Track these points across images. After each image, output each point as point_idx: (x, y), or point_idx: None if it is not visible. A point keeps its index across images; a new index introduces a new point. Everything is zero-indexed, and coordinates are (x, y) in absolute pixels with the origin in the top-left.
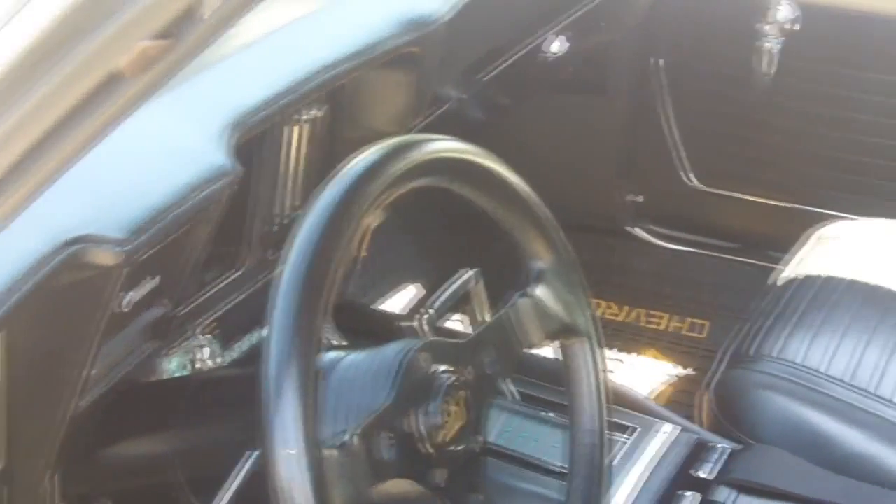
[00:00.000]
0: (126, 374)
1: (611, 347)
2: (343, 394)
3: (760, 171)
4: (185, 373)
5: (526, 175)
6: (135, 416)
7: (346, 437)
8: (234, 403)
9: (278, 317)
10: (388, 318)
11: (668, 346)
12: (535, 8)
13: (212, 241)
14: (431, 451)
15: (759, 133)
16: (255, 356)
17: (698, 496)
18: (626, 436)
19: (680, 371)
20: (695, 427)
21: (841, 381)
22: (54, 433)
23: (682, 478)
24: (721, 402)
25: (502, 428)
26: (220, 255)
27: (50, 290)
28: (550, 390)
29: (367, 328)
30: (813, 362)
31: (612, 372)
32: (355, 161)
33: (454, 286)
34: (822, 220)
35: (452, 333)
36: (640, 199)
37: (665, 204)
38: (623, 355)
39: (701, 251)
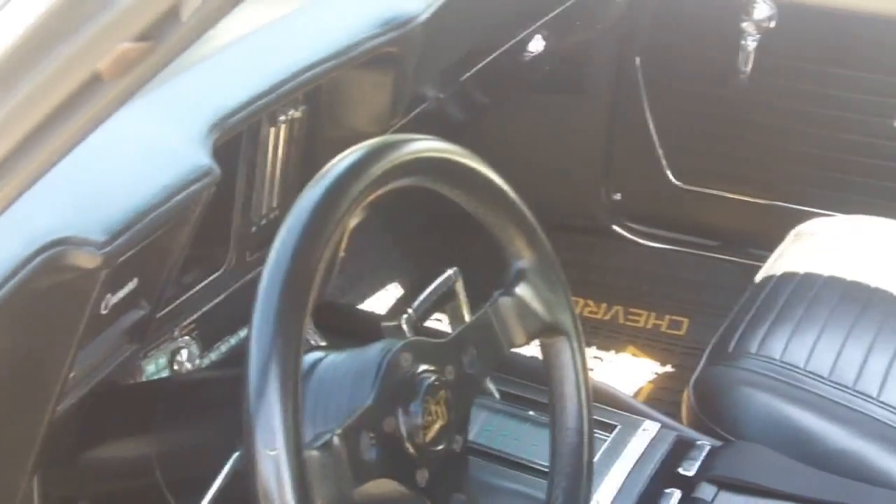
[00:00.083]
0: (106, 376)
1: (591, 345)
2: (324, 394)
3: (739, 168)
4: (164, 375)
5: (506, 174)
6: (115, 419)
7: (328, 438)
8: (214, 405)
9: (260, 317)
10: (369, 317)
11: (648, 343)
12: (513, 7)
13: (191, 242)
14: (413, 451)
15: (738, 131)
16: (235, 358)
17: (680, 493)
18: (607, 433)
19: (660, 368)
20: (676, 424)
21: (821, 377)
22: (34, 436)
23: (664, 475)
24: (702, 399)
25: (484, 427)
26: (200, 256)
27: (29, 293)
28: (532, 389)
29: (348, 328)
30: (793, 358)
31: (592, 370)
32: (336, 162)
33: (435, 286)
34: (800, 217)
35: (434, 333)
36: (620, 197)
37: (644, 202)
38: (603, 353)
39: (680, 249)
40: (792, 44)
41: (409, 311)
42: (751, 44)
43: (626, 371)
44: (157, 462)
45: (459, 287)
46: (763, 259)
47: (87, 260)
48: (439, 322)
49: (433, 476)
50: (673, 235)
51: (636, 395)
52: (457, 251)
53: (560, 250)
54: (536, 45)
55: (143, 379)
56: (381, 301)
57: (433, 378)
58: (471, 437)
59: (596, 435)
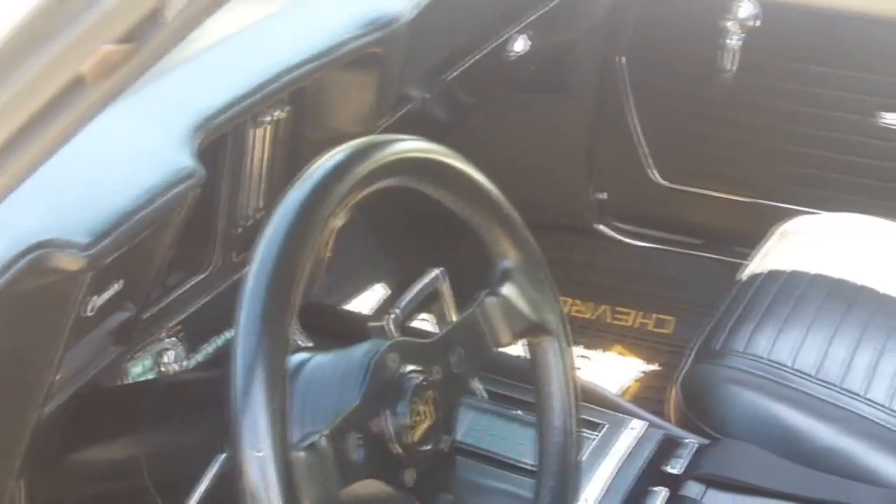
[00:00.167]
0: (92, 378)
1: (577, 344)
2: (311, 395)
3: (724, 167)
4: (150, 376)
5: (491, 174)
6: (101, 421)
7: (315, 439)
8: (201, 406)
9: (246, 318)
10: (355, 318)
11: (635, 342)
12: (497, 7)
13: (176, 244)
14: (400, 451)
15: (723, 130)
16: (220, 359)
17: (667, 491)
18: (594, 432)
19: (647, 367)
20: (663, 423)
21: (807, 374)
22: (20, 438)
23: (651, 473)
24: (688, 398)
25: (471, 427)
26: (185, 257)
27: (14, 296)
28: (519, 388)
29: (334, 329)
30: (779, 356)
31: (579, 369)
32: (321, 162)
33: (420, 286)
34: (785, 214)
35: (420, 333)
36: (605, 196)
37: (629, 201)
38: (590, 352)
39: (666, 247)
40: (776, 43)
41: (395, 311)
42: (735, 43)
43: (612, 370)
44: (144, 464)
45: (445, 287)
46: (748, 257)
47: (71, 262)
48: (425, 322)
49: (420, 476)
50: (658, 234)
51: (623, 393)
52: (442, 251)
53: (546, 250)
54: (521, 44)
55: (129, 381)
56: (366, 301)
57: (420, 378)
58: (458, 436)
59: (583, 434)
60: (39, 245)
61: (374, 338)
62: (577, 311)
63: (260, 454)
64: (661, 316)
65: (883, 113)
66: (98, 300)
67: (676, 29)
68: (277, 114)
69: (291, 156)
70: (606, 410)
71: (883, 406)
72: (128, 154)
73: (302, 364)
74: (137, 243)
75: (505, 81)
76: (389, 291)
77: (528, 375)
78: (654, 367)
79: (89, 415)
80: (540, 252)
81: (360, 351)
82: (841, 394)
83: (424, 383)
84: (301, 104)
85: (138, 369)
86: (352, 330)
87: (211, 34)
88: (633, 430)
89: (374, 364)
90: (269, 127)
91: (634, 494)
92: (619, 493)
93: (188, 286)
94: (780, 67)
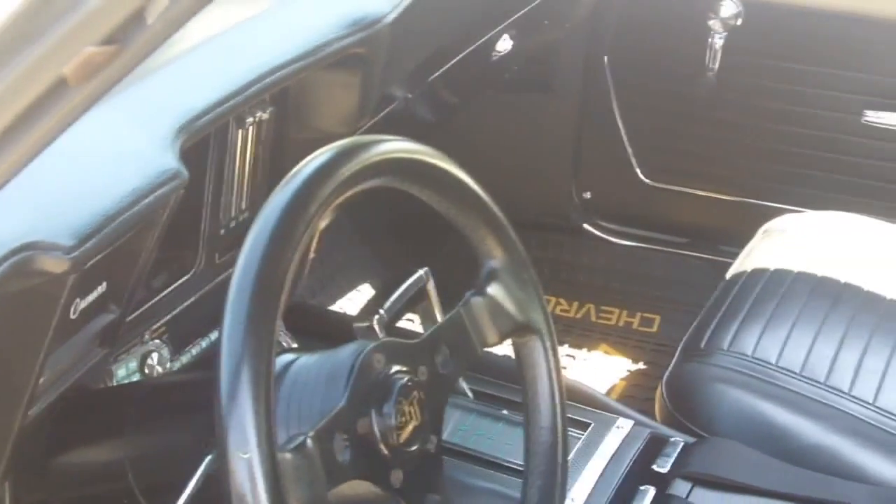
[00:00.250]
0: (76, 380)
1: (563, 343)
2: (297, 396)
3: (708, 166)
4: (136, 378)
5: (476, 174)
6: (86, 423)
7: (301, 440)
8: (186, 408)
9: (231, 319)
10: (341, 319)
11: (620, 340)
12: (480, 7)
13: (160, 245)
14: (387, 452)
15: (707, 128)
16: (205, 361)
17: (654, 490)
18: (581, 432)
19: (632, 366)
20: (650, 421)
21: (793, 372)
22: (4, 441)
23: (638, 472)
24: (675, 396)
25: (458, 427)
26: (169, 259)
27: None
28: (506, 388)
29: (319, 330)
30: (765, 354)
31: (565, 368)
32: (305, 163)
33: (406, 286)
34: (769, 213)
35: (406, 334)
36: (590, 195)
37: (614, 200)
38: (576, 351)
39: (651, 246)
40: (759, 41)
41: (381, 311)
42: (718, 41)
43: (598, 369)
44: (130, 466)
45: (431, 287)
46: (733, 256)
47: (55, 264)
48: (411, 322)
49: (407, 477)
50: (643, 233)
51: (609, 392)
52: (427, 251)
53: (531, 249)
54: (504, 44)
55: (114, 383)
56: (352, 302)
57: (406, 379)
58: (445, 437)
59: (570, 433)
60: (23, 247)
61: (360, 338)
62: (563, 311)
63: (246, 456)
64: (646, 315)
65: (867, 111)
66: (82, 302)
67: (659, 28)
68: (260, 115)
69: (275, 157)
70: (593, 409)
71: (868, 403)
72: (111, 156)
73: (288, 365)
74: (121, 245)
75: (489, 81)
76: (375, 292)
77: (514, 375)
78: (640, 365)
79: (74, 417)
80: (525, 252)
81: (345, 352)
82: (826, 391)
83: (410, 384)
84: (284, 105)
85: (123, 371)
86: (337, 331)
87: (194, 35)
88: (620, 428)
89: (360, 365)
90: (252, 128)
91: (622, 493)
92: (607, 491)
93: (173, 288)
94: (762, 66)
